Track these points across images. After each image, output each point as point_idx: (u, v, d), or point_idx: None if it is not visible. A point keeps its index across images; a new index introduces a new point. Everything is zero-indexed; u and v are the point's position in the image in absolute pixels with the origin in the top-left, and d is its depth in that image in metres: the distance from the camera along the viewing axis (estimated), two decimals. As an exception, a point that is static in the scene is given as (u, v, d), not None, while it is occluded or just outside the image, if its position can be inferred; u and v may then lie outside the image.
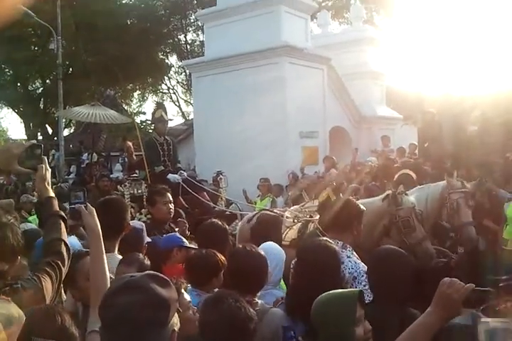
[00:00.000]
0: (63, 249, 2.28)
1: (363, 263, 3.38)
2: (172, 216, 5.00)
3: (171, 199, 4.93)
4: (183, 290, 2.51)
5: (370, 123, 16.13)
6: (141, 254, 3.21)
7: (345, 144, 15.54)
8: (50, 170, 2.56)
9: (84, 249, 3.92)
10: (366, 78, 16.55)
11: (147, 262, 3.20)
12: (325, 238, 3.28)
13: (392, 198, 4.70)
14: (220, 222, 4.21)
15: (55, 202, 2.47)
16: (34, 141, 2.59)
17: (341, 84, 15.25)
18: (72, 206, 2.55)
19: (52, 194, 2.49)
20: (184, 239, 4.18)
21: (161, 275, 1.63)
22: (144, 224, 4.25)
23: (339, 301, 2.18)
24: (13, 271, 2.04)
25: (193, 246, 4.00)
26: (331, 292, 2.26)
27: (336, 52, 15.33)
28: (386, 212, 4.71)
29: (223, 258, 3.30)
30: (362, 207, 3.85)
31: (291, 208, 6.08)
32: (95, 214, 2.46)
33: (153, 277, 1.57)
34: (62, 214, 2.45)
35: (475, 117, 10.45)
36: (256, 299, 2.85)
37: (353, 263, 3.35)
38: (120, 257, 3.30)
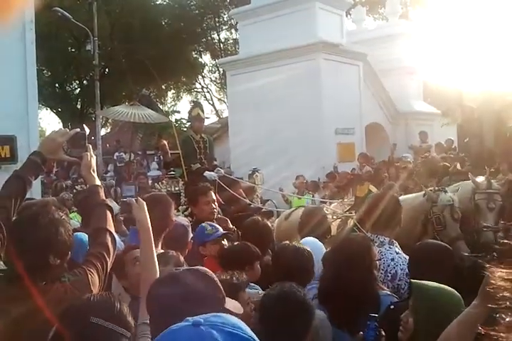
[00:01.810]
0: (109, 239, 2.26)
1: None
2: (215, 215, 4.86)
3: (214, 198, 4.80)
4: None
5: (407, 119, 15.90)
6: (174, 252, 3.18)
7: (381, 140, 15.34)
8: (94, 157, 2.55)
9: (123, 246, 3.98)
10: (403, 73, 16.29)
11: (182, 259, 3.17)
12: (361, 234, 3.24)
13: (429, 194, 4.60)
14: (261, 219, 4.13)
15: (102, 191, 2.45)
16: (78, 129, 2.58)
17: (377, 80, 15.06)
18: (124, 199, 2.54)
19: (98, 182, 2.47)
20: (208, 230, 3.97)
21: (203, 270, 1.66)
22: (188, 221, 4.25)
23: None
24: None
25: (214, 237, 3.93)
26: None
27: (372, 47, 15.15)
28: (424, 208, 4.61)
29: (258, 250, 3.30)
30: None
31: (331, 205, 6.02)
32: (145, 208, 2.46)
33: (194, 272, 1.62)
34: (109, 203, 2.46)
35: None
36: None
37: (403, 259, 3.29)
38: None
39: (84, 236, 3.90)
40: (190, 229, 4.03)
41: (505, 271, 0.87)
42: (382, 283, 3.22)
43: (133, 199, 2.50)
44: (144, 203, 2.48)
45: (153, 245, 2.42)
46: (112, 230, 2.33)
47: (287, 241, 3.25)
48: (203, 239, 3.89)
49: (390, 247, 3.37)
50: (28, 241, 1.94)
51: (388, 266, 3.29)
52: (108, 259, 2.21)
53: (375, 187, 5.11)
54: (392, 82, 15.61)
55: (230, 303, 1.75)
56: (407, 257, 3.28)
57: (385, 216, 3.62)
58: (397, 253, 3.36)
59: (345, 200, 5.77)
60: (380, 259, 3.16)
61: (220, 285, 1.65)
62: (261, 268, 3.32)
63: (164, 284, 1.62)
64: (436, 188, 5.03)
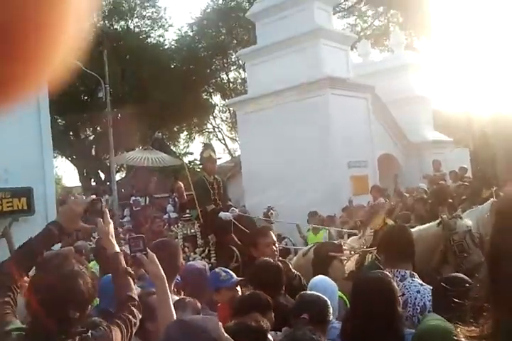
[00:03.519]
0: (135, 307, 2.27)
1: None
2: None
3: (275, 239, 4.65)
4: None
5: (419, 149, 15.89)
6: (190, 298, 3.17)
7: (395, 171, 15.30)
8: (112, 223, 2.58)
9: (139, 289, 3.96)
10: (412, 103, 16.38)
11: (199, 305, 3.16)
12: (380, 271, 3.20)
13: (446, 222, 4.56)
14: (272, 261, 3.98)
15: (122, 258, 2.47)
16: (93, 196, 2.63)
17: (387, 112, 15.15)
18: (134, 254, 2.57)
19: (117, 249, 2.49)
20: (222, 276, 3.93)
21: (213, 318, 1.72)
22: (206, 264, 4.23)
23: None
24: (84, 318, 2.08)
25: (229, 284, 3.91)
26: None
27: (380, 79, 15.32)
28: (442, 237, 4.57)
29: (269, 299, 3.26)
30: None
31: (348, 240, 5.97)
32: (156, 260, 2.48)
33: (208, 320, 1.67)
34: (131, 270, 2.47)
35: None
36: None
37: (428, 290, 3.22)
38: (176, 298, 3.30)
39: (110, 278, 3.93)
40: (207, 273, 4.03)
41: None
42: (412, 317, 3.19)
43: (143, 254, 2.52)
44: (154, 256, 2.50)
45: (170, 295, 2.44)
46: (136, 297, 2.34)
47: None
48: (217, 285, 3.86)
49: (412, 280, 3.32)
50: (48, 295, 1.95)
51: (415, 298, 3.23)
52: (134, 326, 2.20)
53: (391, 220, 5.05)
54: (402, 113, 15.68)
55: None
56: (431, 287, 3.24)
57: (400, 249, 3.57)
58: (422, 284, 3.30)
59: (361, 236, 5.72)
60: (402, 295, 3.12)
61: (215, 336, 1.66)
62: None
63: (170, 330, 1.67)
64: (451, 216, 5.02)
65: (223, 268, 4.05)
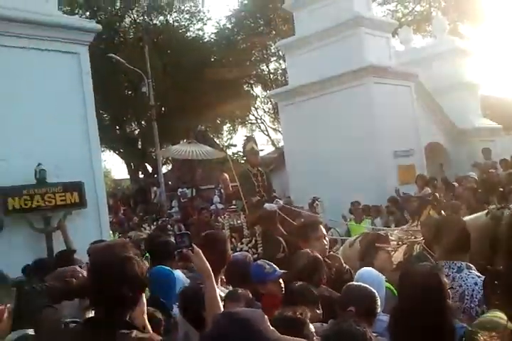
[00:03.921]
0: None
1: None
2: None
3: (325, 232, 4.64)
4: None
5: (467, 137, 15.52)
6: (242, 289, 3.22)
7: (442, 160, 15.00)
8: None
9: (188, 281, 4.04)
10: (459, 90, 15.99)
11: (250, 296, 3.21)
12: (428, 263, 3.18)
13: (493, 213, 4.46)
14: (311, 252, 3.96)
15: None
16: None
17: (431, 99, 14.84)
18: (180, 250, 2.65)
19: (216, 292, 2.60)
20: (267, 268, 3.95)
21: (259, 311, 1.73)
22: (249, 255, 4.28)
23: None
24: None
25: (273, 277, 3.88)
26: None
27: (424, 66, 15.02)
28: (489, 228, 4.47)
29: (315, 291, 3.32)
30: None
31: (395, 230, 5.92)
32: (202, 255, 2.55)
33: (254, 312, 1.70)
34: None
35: None
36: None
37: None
38: (222, 289, 3.36)
39: (180, 273, 4.03)
40: (250, 264, 4.08)
41: None
42: (470, 309, 3.15)
43: (189, 250, 2.59)
44: (200, 251, 2.56)
45: (217, 288, 2.49)
46: None
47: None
48: (263, 277, 3.89)
49: (469, 272, 3.27)
50: (104, 274, 2.09)
51: (473, 290, 3.18)
52: None
53: (436, 211, 4.98)
54: (448, 100, 15.34)
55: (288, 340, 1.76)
56: None
57: (455, 240, 3.49)
58: (479, 276, 3.24)
59: (408, 226, 5.66)
60: (451, 288, 3.08)
61: (262, 329, 1.68)
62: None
63: (218, 322, 1.70)
64: (499, 206, 4.91)
65: (266, 261, 4.07)
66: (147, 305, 3.28)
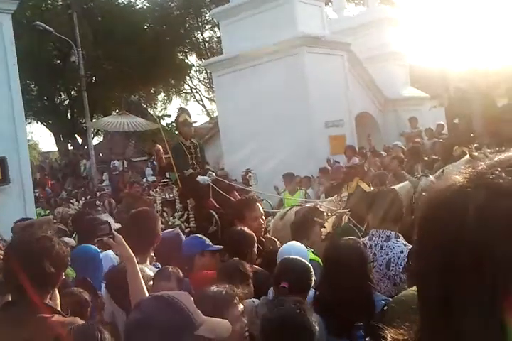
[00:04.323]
0: None
1: None
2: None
3: (262, 211, 4.47)
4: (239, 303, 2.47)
5: (395, 106, 15.89)
6: (172, 267, 3.21)
7: (372, 129, 15.35)
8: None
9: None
10: (388, 60, 16.24)
11: (181, 274, 3.21)
12: (352, 237, 3.27)
13: (410, 180, 4.86)
14: (247, 230, 3.92)
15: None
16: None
17: (363, 69, 15.04)
18: (100, 238, 2.60)
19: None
20: (207, 241, 4.05)
21: (171, 296, 1.72)
22: (180, 232, 4.28)
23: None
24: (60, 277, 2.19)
25: (216, 248, 3.96)
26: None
27: (355, 35, 15.13)
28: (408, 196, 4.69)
29: (251, 268, 3.32)
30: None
31: (325, 200, 6.05)
32: (124, 242, 2.52)
33: (160, 299, 1.72)
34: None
35: (504, 91, 10.18)
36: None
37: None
38: (151, 268, 3.34)
39: (109, 252, 3.97)
40: (181, 240, 4.08)
41: None
42: (394, 276, 3.34)
43: (109, 238, 2.53)
44: (121, 237, 2.53)
45: (140, 274, 2.48)
46: None
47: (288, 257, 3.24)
48: (203, 247, 3.91)
49: (397, 240, 3.44)
50: (26, 253, 2.07)
51: (399, 258, 3.36)
52: None
53: (365, 182, 5.12)
54: (378, 69, 15.57)
55: (212, 323, 1.77)
56: None
57: (388, 210, 3.63)
58: (405, 245, 3.41)
59: (338, 197, 5.79)
60: (372, 262, 3.21)
61: (190, 312, 1.68)
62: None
63: (145, 307, 1.70)
64: (420, 174, 5.12)
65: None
66: (75, 285, 3.26)
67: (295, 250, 3.56)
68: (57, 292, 2.24)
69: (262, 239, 4.34)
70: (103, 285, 3.50)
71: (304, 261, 3.13)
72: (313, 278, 3.02)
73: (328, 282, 2.89)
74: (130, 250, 2.52)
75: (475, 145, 5.62)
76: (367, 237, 3.64)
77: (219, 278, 3.27)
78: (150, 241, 3.49)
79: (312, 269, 3.05)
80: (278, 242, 4.53)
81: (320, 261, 3.80)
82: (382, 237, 3.48)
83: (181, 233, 4.53)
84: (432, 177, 4.96)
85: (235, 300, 2.38)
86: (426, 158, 8.61)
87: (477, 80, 10.82)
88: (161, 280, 3.09)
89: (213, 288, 2.41)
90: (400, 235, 3.53)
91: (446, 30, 13.10)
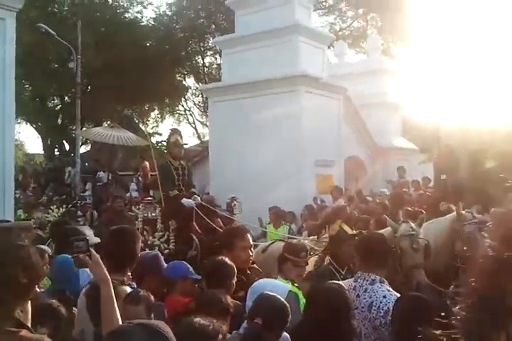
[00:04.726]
0: None
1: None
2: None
3: (252, 243, 4.38)
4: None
5: (385, 154, 16.12)
6: (143, 291, 3.13)
7: (360, 174, 15.50)
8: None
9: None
10: (383, 109, 16.60)
11: (152, 299, 3.13)
12: (335, 281, 3.27)
13: (391, 225, 4.84)
14: (228, 261, 3.85)
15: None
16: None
17: (357, 115, 15.30)
18: (76, 255, 2.51)
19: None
20: (191, 268, 4.05)
21: (158, 326, 1.62)
22: (159, 254, 4.21)
23: None
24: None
25: (198, 277, 3.94)
26: None
27: (353, 82, 15.44)
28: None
29: (231, 301, 3.25)
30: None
31: (308, 239, 6.02)
32: (100, 261, 2.46)
33: (147, 328, 1.59)
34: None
35: (494, 153, 10.37)
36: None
37: (394, 296, 3.39)
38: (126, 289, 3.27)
39: (66, 258, 3.86)
40: (161, 262, 4.03)
41: None
42: (375, 319, 3.37)
43: (86, 256, 2.47)
44: (98, 257, 2.47)
45: (114, 296, 2.41)
46: None
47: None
48: (187, 273, 3.91)
49: (381, 285, 3.49)
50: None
51: (381, 302, 3.41)
52: None
53: (348, 225, 5.12)
54: (372, 117, 15.90)
55: None
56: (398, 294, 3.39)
57: (377, 256, 3.68)
58: (388, 290, 3.48)
59: (318, 237, 5.80)
60: (357, 308, 3.20)
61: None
62: None
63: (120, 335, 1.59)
64: (402, 220, 5.19)
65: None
66: (52, 297, 3.15)
67: (271, 286, 3.46)
68: (29, 304, 2.10)
69: (248, 271, 4.23)
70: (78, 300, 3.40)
71: (281, 299, 3.07)
72: (289, 318, 2.94)
73: (310, 323, 2.86)
74: (106, 271, 2.46)
75: (462, 203, 5.64)
76: (352, 278, 3.66)
77: (197, 308, 3.21)
78: (129, 261, 3.41)
79: (289, 308, 2.99)
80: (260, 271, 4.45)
81: (299, 294, 3.78)
82: (367, 280, 3.54)
83: (160, 255, 4.44)
84: (412, 223, 5.01)
85: (220, 337, 2.32)
86: (410, 209, 8.67)
87: (468, 139, 11.02)
88: (129, 303, 3.01)
89: (199, 320, 2.31)
90: (384, 280, 3.58)
91: (443, 85, 13.40)
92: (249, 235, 4.31)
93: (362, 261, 3.73)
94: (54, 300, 3.01)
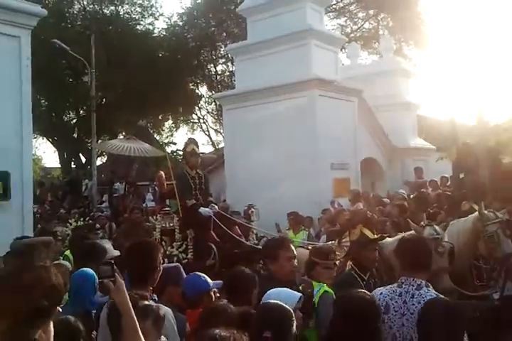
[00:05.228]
0: None
1: None
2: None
3: (295, 253, 4.22)
4: None
5: (402, 155, 15.99)
6: (155, 305, 3.09)
7: (377, 175, 15.38)
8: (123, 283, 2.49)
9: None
10: (398, 109, 16.46)
11: (162, 313, 3.07)
12: (362, 290, 3.21)
13: (415, 230, 4.80)
14: (249, 272, 3.83)
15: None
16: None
17: (372, 116, 15.19)
18: (101, 280, 2.47)
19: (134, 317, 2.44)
20: (209, 280, 4.01)
21: None
22: (179, 265, 4.19)
23: None
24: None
25: (218, 285, 3.91)
26: None
27: (367, 83, 15.34)
28: None
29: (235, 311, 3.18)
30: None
31: (328, 244, 5.97)
32: (123, 288, 2.41)
33: None
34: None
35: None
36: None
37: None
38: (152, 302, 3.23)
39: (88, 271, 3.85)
40: (181, 275, 4.00)
41: None
42: None
43: (110, 281, 2.42)
44: (123, 283, 2.42)
45: (138, 327, 2.38)
46: None
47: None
48: (206, 287, 3.88)
49: (428, 289, 3.38)
50: (18, 284, 1.91)
51: None
52: None
53: (369, 229, 5.05)
54: (387, 118, 15.76)
55: None
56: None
57: (418, 259, 3.54)
58: (437, 295, 3.35)
59: (338, 242, 5.74)
60: (404, 315, 3.17)
61: None
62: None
63: None
64: (426, 223, 5.11)
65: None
66: (70, 313, 3.12)
67: (284, 293, 3.36)
68: (51, 325, 2.07)
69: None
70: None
71: (285, 306, 2.91)
72: (294, 325, 2.83)
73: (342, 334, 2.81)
74: (128, 299, 2.41)
75: (484, 202, 5.54)
76: (395, 284, 3.54)
77: (204, 318, 3.17)
78: (151, 275, 3.37)
79: (293, 315, 2.87)
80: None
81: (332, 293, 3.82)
82: (413, 285, 3.41)
83: (180, 266, 4.40)
84: (436, 227, 4.94)
85: None
86: (430, 210, 8.57)
87: (486, 136, 10.88)
88: (137, 316, 2.96)
89: (219, 332, 2.27)
90: (429, 284, 3.46)
91: (459, 83, 13.26)
92: (293, 246, 4.18)
93: (406, 265, 3.60)
94: (73, 319, 2.96)
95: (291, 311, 2.86)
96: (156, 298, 3.45)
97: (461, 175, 10.75)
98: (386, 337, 3.26)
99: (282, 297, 3.14)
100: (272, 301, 2.97)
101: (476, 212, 5.31)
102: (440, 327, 2.76)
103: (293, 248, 4.11)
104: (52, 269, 2.02)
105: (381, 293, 3.44)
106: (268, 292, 3.31)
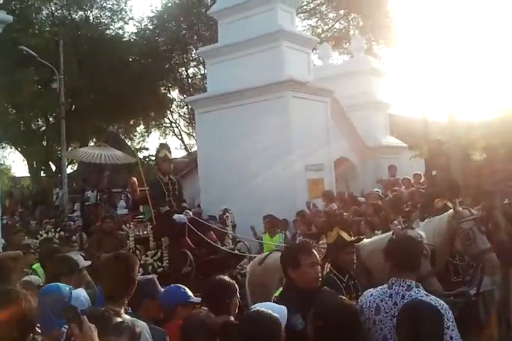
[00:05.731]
0: None
1: None
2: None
3: (319, 259, 3.89)
4: None
5: (375, 154, 16.08)
6: (130, 320, 2.97)
7: (350, 175, 15.42)
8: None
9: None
10: (370, 108, 16.56)
11: (138, 331, 2.95)
12: (342, 297, 3.14)
13: (396, 233, 4.73)
14: (227, 280, 3.79)
15: None
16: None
17: (344, 116, 15.25)
18: (69, 324, 2.29)
19: None
20: (188, 292, 3.93)
21: None
22: (154, 278, 4.09)
23: None
24: None
25: (196, 301, 3.83)
26: None
27: (339, 83, 15.41)
28: None
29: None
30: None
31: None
32: (92, 333, 2.16)
33: None
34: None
35: (483, 146, 10.33)
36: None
37: (434, 300, 3.22)
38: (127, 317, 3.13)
39: (81, 293, 3.70)
40: (156, 287, 3.90)
41: None
42: None
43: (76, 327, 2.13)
44: (92, 327, 2.14)
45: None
46: None
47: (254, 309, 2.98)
48: (185, 298, 3.79)
49: (418, 290, 3.34)
50: None
51: None
52: None
53: (345, 231, 5.00)
54: (359, 117, 15.85)
55: None
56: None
57: (411, 259, 3.51)
58: (427, 295, 3.31)
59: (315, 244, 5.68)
60: (395, 316, 3.09)
61: None
62: None
63: None
64: (404, 226, 5.10)
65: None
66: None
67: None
68: None
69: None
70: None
71: (273, 314, 2.81)
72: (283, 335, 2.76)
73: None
74: None
75: (459, 199, 5.55)
76: (385, 285, 3.47)
77: (183, 330, 3.09)
78: (126, 290, 3.27)
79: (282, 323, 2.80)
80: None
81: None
82: (403, 286, 3.35)
83: (155, 279, 4.26)
84: (417, 230, 4.94)
85: None
86: (404, 207, 8.60)
87: (457, 134, 10.96)
88: (111, 334, 2.84)
89: None
90: (419, 284, 3.42)
91: (430, 82, 13.36)
92: (315, 251, 3.84)
93: (395, 266, 3.53)
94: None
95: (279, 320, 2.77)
96: (131, 312, 3.36)
97: (433, 173, 10.81)
98: (377, 339, 3.22)
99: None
100: (257, 309, 2.88)
101: (451, 210, 5.32)
102: (416, 331, 2.72)
103: (316, 254, 3.78)
104: (22, 294, 1.92)
105: (371, 295, 3.40)
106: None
